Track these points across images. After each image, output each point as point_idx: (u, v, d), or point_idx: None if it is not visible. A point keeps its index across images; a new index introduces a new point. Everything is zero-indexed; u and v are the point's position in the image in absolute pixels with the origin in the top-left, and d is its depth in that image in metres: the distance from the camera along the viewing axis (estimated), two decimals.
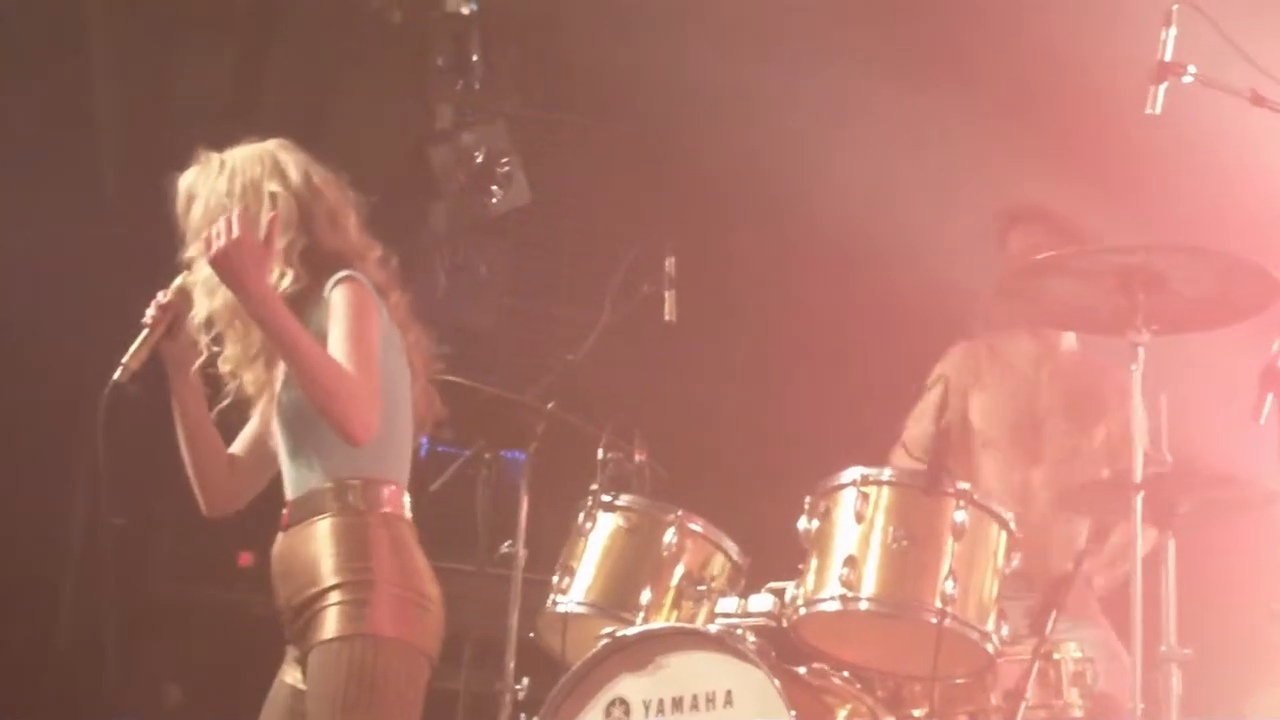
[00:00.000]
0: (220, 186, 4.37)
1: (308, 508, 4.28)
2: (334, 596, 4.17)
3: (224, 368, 4.39)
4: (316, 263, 4.35)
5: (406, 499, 4.34)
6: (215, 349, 4.38)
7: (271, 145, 4.46)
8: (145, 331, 4.37)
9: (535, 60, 8.14)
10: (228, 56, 8.29)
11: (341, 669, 4.13)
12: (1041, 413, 6.11)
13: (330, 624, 4.16)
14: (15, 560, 7.55)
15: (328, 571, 4.20)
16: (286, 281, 4.29)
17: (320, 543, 4.23)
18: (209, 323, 4.35)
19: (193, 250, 4.37)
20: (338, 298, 4.27)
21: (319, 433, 4.25)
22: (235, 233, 4.14)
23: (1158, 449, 5.23)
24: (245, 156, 4.42)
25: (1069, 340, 6.23)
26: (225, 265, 4.15)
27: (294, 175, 4.40)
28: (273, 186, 4.36)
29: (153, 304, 4.39)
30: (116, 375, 4.31)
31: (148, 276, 4.49)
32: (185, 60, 8.22)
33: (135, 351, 4.34)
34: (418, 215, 7.88)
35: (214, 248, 4.15)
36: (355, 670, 4.12)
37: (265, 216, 4.28)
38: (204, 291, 4.34)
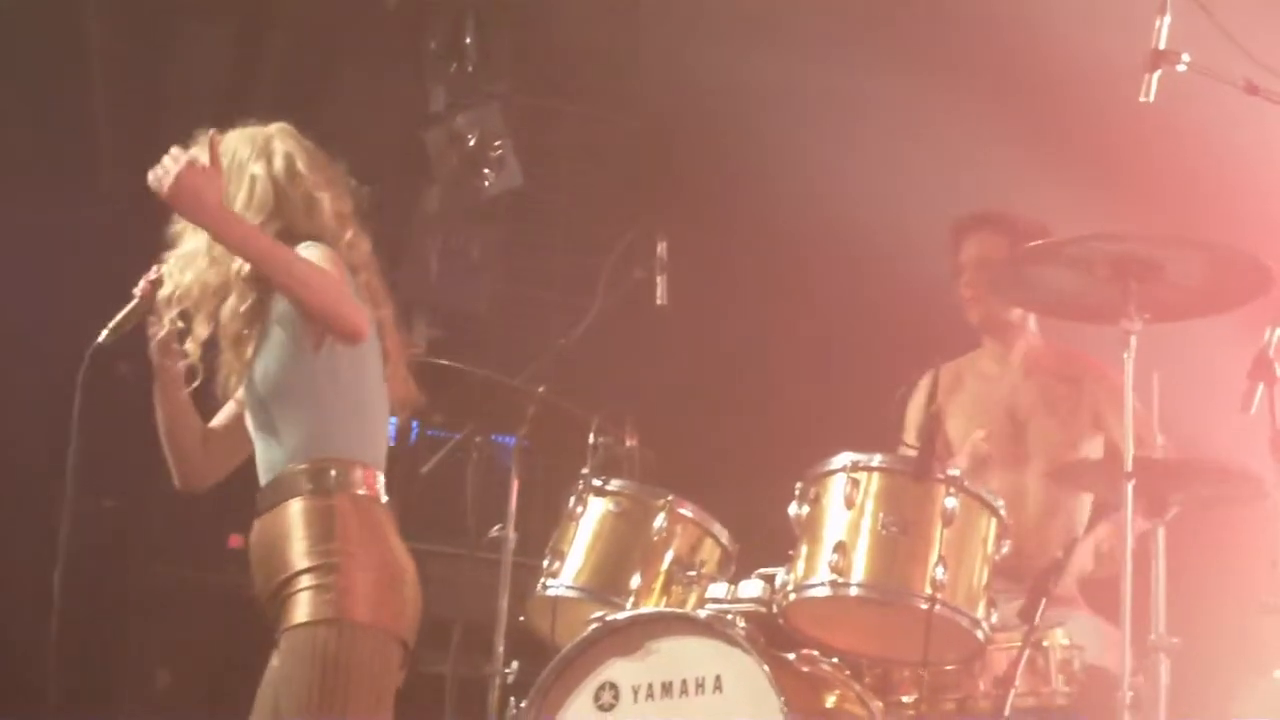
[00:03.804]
0: None
1: (279, 491, 4.26)
2: (304, 581, 4.14)
3: (190, 347, 4.36)
4: (290, 245, 4.32)
5: (381, 481, 4.30)
6: (182, 324, 4.37)
7: (272, 129, 4.48)
8: (133, 303, 4.38)
9: (529, 44, 8.14)
10: (224, 40, 8.29)
11: (311, 654, 4.09)
12: (1022, 412, 6.05)
13: (300, 609, 4.13)
14: (3, 545, 7.53)
15: (298, 555, 4.17)
16: None
17: (291, 526, 4.20)
18: (177, 299, 4.34)
19: (176, 225, 4.38)
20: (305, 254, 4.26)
21: (289, 414, 4.26)
22: (180, 162, 4.11)
23: (1151, 432, 5.21)
24: (239, 137, 4.44)
25: (1031, 330, 6.16)
26: (179, 193, 4.12)
27: (277, 161, 4.40)
28: (255, 169, 4.38)
29: (143, 278, 4.40)
30: (100, 339, 4.34)
31: (143, 262, 4.49)
32: (182, 44, 8.22)
33: (120, 321, 4.37)
34: (411, 198, 7.89)
35: (163, 183, 4.12)
36: (325, 655, 4.08)
37: (242, 196, 4.31)
38: (175, 267, 4.35)
